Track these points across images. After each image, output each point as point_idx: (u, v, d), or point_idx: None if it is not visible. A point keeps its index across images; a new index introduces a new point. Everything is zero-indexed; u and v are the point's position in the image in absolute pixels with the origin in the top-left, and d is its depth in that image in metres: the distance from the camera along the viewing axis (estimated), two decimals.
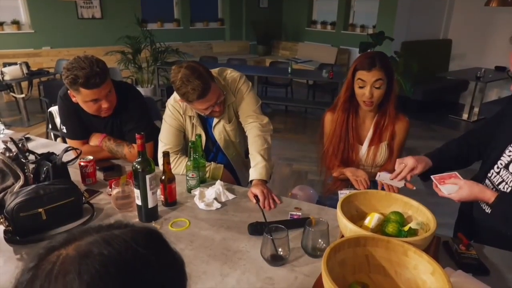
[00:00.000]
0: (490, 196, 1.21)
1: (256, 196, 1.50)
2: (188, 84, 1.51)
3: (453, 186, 1.27)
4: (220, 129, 1.80)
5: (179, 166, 1.72)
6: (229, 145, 1.85)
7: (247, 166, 1.94)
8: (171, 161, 1.60)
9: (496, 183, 1.31)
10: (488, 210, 1.32)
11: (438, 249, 1.19)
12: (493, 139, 1.40)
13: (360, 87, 1.60)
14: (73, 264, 0.44)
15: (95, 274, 0.44)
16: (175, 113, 1.74)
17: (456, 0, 6.25)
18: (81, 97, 1.63)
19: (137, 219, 1.37)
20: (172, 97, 1.76)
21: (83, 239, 0.48)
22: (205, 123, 1.83)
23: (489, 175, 1.36)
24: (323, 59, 7.16)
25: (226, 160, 1.89)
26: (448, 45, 6.50)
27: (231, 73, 1.76)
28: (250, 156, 1.68)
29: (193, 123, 1.77)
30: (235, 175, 1.92)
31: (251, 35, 8.48)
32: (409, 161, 1.41)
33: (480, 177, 1.39)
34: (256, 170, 1.59)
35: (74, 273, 0.43)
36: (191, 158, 1.55)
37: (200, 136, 1.61)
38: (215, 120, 1.78)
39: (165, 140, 1.73)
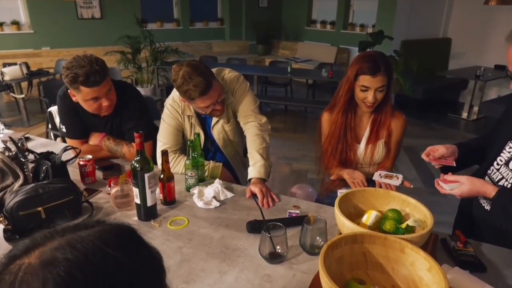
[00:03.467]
0: (491, 190, 1.20)
1: (255, 195, 1.51)
2: (190, 82, 1.51)
3: (454, 183, 1.26)
4: (219, 129, 1.80)
5: (178, 165, 1.72)
6: (228, 144, 1.86)
7: (245, 164, 1.94)
8: (170, 160, 1.60)
9: (496, 180, 1.31)
10: (487, 207, 1.32)
11: (436, 246, 1.19)
12: (494, 136, 1.40)
13: (363, 91, 1.57)
14: (36, 273, 0.41)
15: (60, 282, 0.40)
16: (173, 113, 1.74)
17: None
18: (82, 96, 1.64)
19: (136, 217, 1.38)
20: (170, 96, 1.77)
21: (47, 244, 0.45)
22: (204, 122, 1.83)
23: (489, 172, 1.36)
24: (323, 58, 7.17)
25: (224, 159, 1.89)
26: (448, 44, 6.50)
27: (229, 73, 1.76)
28: (248, 155, 1.68)
29: (191, 123, 1.77)
30: (234, 173, 1.93)
31: (251, 35, 8.48)
32: (440, 147, 1.40)
33: (480, 174, 1.39)
34: (255, 168, 1.60)
35: (37, 282, 0.40)
36: (190, 157, 1.56)
37: (198, 135, 1.61)
38: (214, 120, 1.78)
39: (164, 140, 1.73)
